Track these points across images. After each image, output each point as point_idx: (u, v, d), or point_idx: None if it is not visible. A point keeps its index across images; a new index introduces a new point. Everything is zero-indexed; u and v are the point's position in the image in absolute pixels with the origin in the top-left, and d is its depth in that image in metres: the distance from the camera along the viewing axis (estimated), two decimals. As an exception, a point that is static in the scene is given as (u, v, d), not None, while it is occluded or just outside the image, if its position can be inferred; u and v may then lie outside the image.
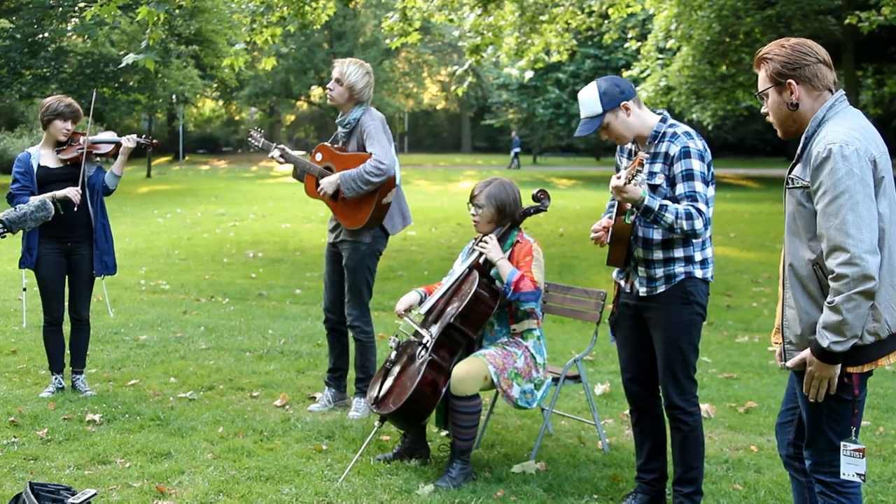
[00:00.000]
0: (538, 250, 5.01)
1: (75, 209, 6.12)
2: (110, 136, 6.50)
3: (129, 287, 11.31)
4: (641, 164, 4.12)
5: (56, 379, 6.40)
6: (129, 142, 6.39)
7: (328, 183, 5.94)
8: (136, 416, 5.85)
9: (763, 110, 3.44)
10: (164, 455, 5.14)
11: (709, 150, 4.29)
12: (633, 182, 4.09)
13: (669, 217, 4.07)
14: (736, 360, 8.07)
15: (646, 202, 4.06)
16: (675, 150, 4.21)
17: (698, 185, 4.17)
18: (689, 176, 4.18)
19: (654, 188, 4.24)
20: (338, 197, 5.98)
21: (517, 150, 46.66)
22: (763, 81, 3.38)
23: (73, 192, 6.08)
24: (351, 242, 6.07)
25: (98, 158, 6.43)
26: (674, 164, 4.21)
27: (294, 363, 7.44)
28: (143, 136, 6.56)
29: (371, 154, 5.84)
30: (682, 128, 4.30)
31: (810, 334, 3.20)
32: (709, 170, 4.26)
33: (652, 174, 4.27)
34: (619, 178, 4.07)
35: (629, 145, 4.50)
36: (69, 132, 6.27)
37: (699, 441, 4.45)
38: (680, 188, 4.19)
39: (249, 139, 6.70)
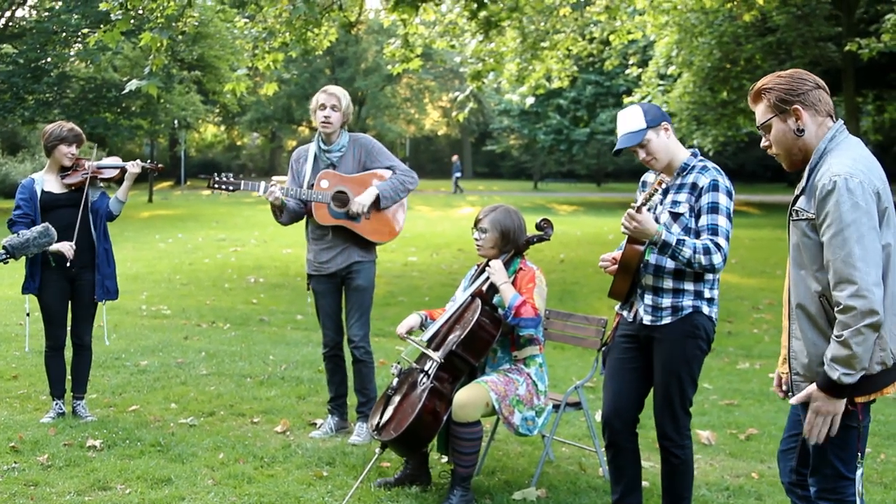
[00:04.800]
0: (541, 278, 5.02)
1: (67, 264, 6.10)
2: (115, 161, 6.54)
3: (130, 312, 11.31)
4: (660, 185, 4.12)
5: (57, 404, 6.39)
6: (134, 167, 6.40)
7: (366, 197, 5.98)
8: (137, 441, 5.84)
9: (763, 144, 3.41)
10: (165, 481, 5.12)
11: (733, 192, 4.31)
12: (647, 205, 4.09)
13: (687, 252, 4.07)
14: (737, 387, 8.06)
15: (663, 237, 4.06)
16: (704, 181, 4.22)
17: (721, 220, 4.18)
18: (714, 209, 4.19)
19: (676, 216, 4.25)
20: (360, 218, 6.02)
21: (458, 174, 46.71)
22: (764, 112, 3.35)
23: (66, 247, 6.03)
24: (365, 262, 6.12)
25: (102, 183, 6.46)
26: (702, 195, 4.21)
27: (295, 389, 7.43)
28: (148, 160, 6.57)
29: (390, 168, 6.16)
30: (711, 164, 4.32)
31: (818, 366, 3.19)
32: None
33: (676, 202, 4.27)
34: (634, 205, 4.09)
35: (650, 178, 4.51)
36: (73, 157, 6.29)
37: (689, 473, 4.43)
38: (703, 220, 4.19)
39: (213, 187, 6.07)
